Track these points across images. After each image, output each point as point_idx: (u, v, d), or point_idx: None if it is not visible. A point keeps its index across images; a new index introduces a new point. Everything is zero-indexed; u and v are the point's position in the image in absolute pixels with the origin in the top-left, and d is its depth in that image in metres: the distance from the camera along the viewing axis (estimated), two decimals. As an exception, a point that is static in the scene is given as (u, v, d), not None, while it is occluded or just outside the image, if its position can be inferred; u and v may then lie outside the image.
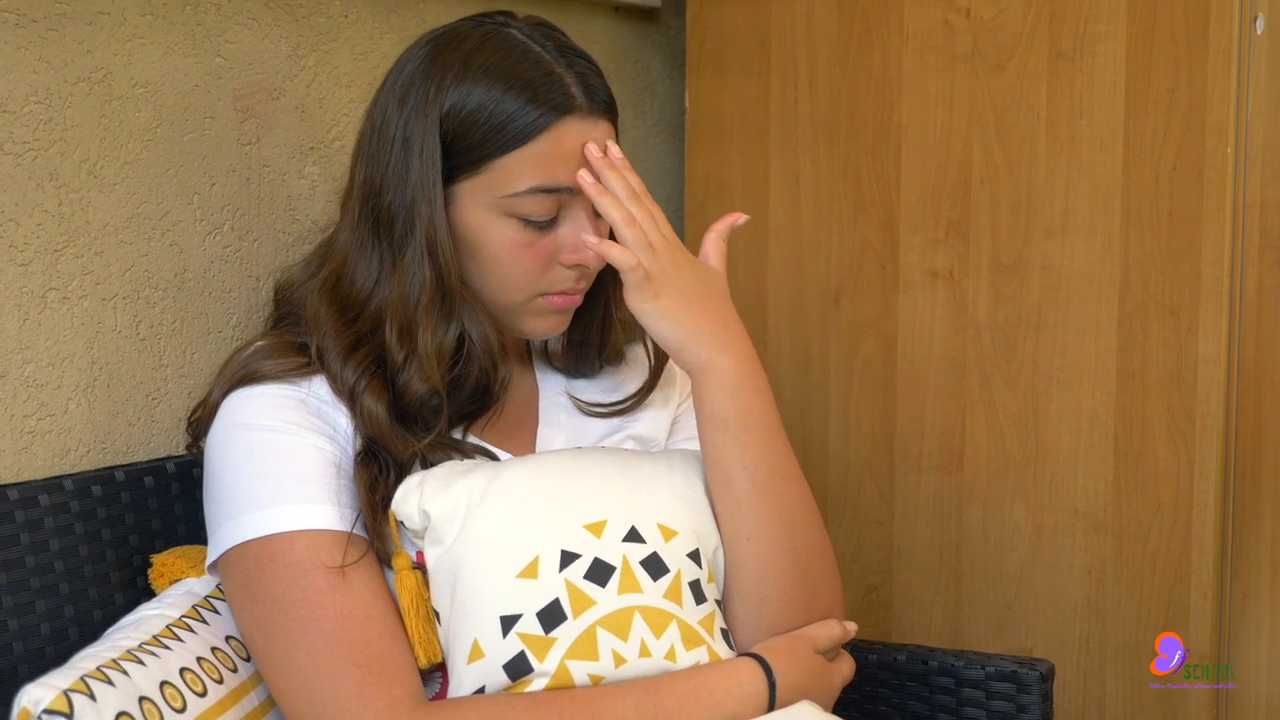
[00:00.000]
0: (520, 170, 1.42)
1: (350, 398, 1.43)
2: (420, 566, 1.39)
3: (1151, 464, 1.93)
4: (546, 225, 1.45)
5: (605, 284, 1.57)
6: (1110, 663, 1.98)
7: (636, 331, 1.63)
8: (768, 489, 1.46)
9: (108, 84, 1.57)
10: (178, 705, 1.26)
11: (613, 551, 1.38)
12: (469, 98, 1.43)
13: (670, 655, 1.36)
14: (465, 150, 1.43)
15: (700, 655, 1.38)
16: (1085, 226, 1.95)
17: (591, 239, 1.45)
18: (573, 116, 1.43)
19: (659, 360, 1.63)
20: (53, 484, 1.48)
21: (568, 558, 1.36)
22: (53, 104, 1.52)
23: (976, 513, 2.06)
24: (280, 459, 1.39)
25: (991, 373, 2.03)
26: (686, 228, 2.31)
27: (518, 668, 1.33)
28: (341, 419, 1.43)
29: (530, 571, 1.35)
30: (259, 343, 1.48)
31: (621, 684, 1.34)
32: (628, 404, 1.61)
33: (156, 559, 1.52)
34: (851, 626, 1.53)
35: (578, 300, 1.51)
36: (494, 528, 1.37)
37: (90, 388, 1.58)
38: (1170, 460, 1.91)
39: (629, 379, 1.63)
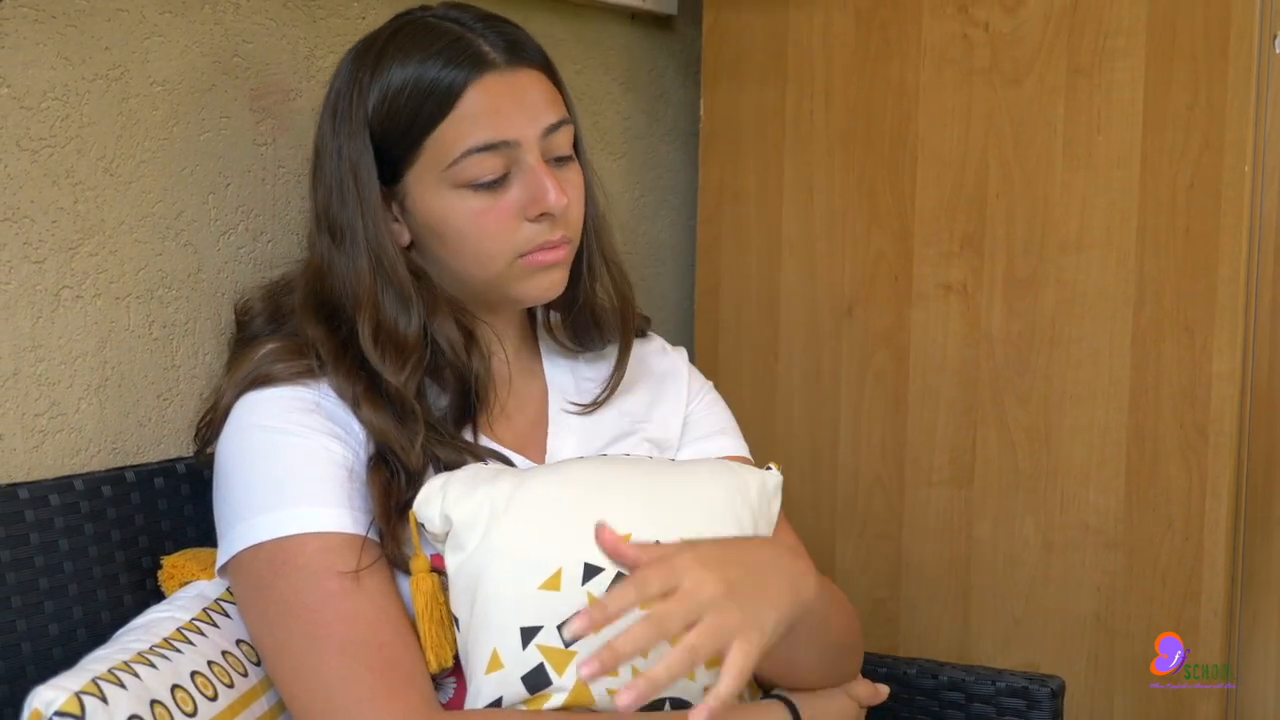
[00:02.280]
0: (453, 137, 1.43)
1: (354, 405, 1.43)
2: (438, 570, 1.38)
3: (1164, 481, 1.92)
4: (498, 186, 1.45)
5: (598, 236, 1.58)
6: (1119, 679, 1.97)
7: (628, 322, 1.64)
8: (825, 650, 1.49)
9: (125, 81, 1.57)
10: (189, 709, 1.25)
11: None
12: (388, 88, 1.45)
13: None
14: (399, 139, 1.45)
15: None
16: (1101, 242, 1.94)
17: None
18: (492, 72, 1.44)
19: (623, 352, 1.62)
20: (63, 483, 1.47)
21: (591, 571, 1.35)
22: (70, 100, 1.51)
23: (986, 527, 2.06)
24: (293, 461, 1.38)
25: (1004, 387, 2.03)
26: (700, 236, 2.30)
27: (536, 680, 1.32)
28: (355, 422, 1.43)
29: (553, 584, 1.34)
30: (269, 345, 1.47)
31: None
32: (604, 395, 1.60)
33: (167, 561, 1.51)
34: (883, 690, 1.56)
35: (561, 254, 1.50)
36: (518, 538, 1.36)
37: (102, 387, 1.57)
38: (1182, 477, 1.91)
39: (636, 380, 1.64)
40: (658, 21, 2.39)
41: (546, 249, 1.48)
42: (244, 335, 1.56)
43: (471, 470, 1.42)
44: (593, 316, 1.61)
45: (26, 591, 1.40)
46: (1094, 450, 1.97)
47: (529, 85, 1.46)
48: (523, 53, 1.47)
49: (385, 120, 1.45)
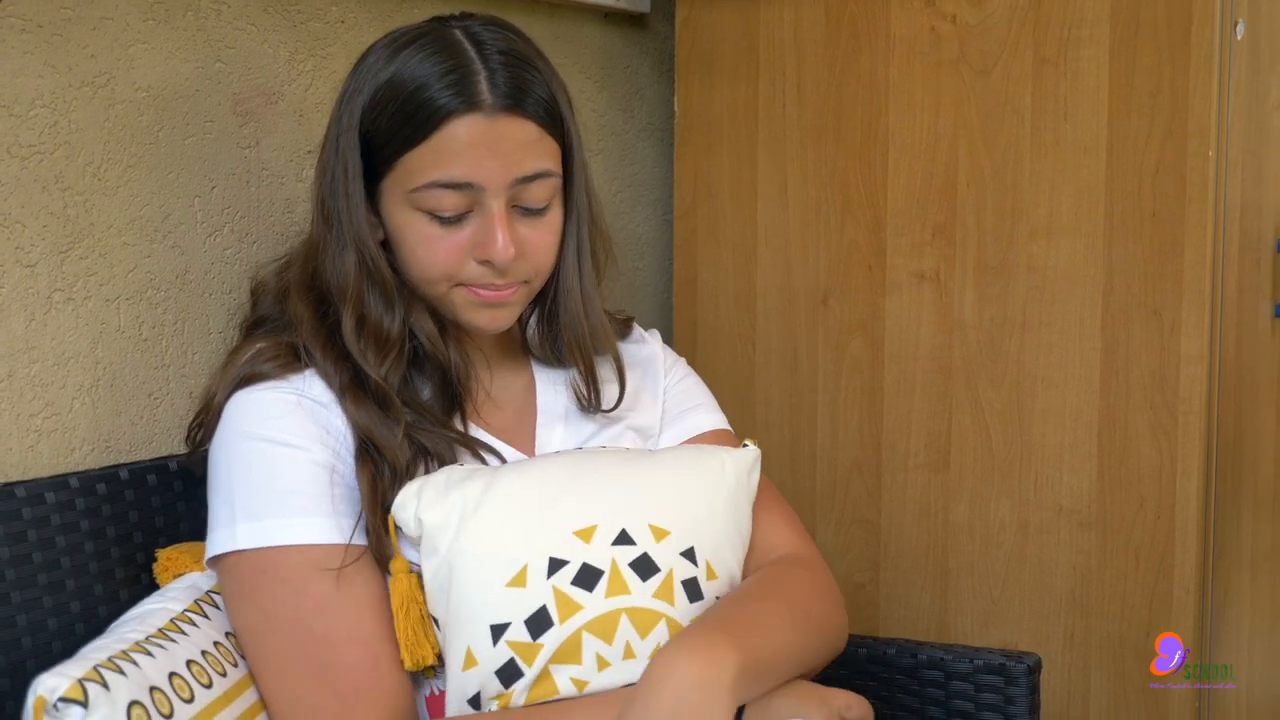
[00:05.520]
0: (420, 166, 1.44)
1: (340, 394, 1.46)
2: (418, 571, 1.43)
3: (1135, 461, 1.96)
4: (455, 221, 1.46)
5: (564, 283, 1.58)
6: (1094, 657, 2.00)
7: (614, 338, 1.67)
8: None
9: (111, 88, 1.60)
10: (186, 696, 1.28)
11: (601, 556, 1.40)
12: (378, 94, 1.46)
13: (655, 654, 1.37)
14: (379, 148, 1.47)
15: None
16: (1069, 228, 1.98)
17: None
18: (477, 112, 1.43)
19: (623, 378, 1.65)
20: (58, 482, 1.50)
21: (555, 564, 1.39)
22: (58, 108, 1.54)
23: (963, 510, 2.09)
24: (277, 471, 1.42)
25: (977, 373, 2.06)
26: (676, 229, 2.33)
27: (508, 674, 1.36)
28: (336, 420, 1.46)
29: (519, 580, 1.38)
30: (259, 345, 1.50)
31: (587, 700, 1.37)
32: (611, 410, 1.63)
33: (161, 553, 1.55)
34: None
35: (506, 295, 1.51)
36: (484, 539, 1.40)
37: (94, 387, 1.60)
38: (1153, 457, 1.94)
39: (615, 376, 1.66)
40: (631, 20, 2.42)
41: (490, 288, 1.50)
42: (256, 314, 1.59)
43: (445, 473, 1.45)
44: (561, 344, 1.62)
45: (25, 588, 1.43)
46: (1066, 432, 2.01)
47: (512, 133, 1.44)
48: (521, 99, 1.45)
49: (372, 125, 1.47)
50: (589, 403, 1.62)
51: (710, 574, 1.46)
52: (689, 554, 1.44)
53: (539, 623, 1.36)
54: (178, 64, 1.67)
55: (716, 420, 1.71)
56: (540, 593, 1.37)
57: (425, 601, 1.42)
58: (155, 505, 1.59)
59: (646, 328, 1.82)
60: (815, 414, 2.21)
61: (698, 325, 2.32)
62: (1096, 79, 1.94)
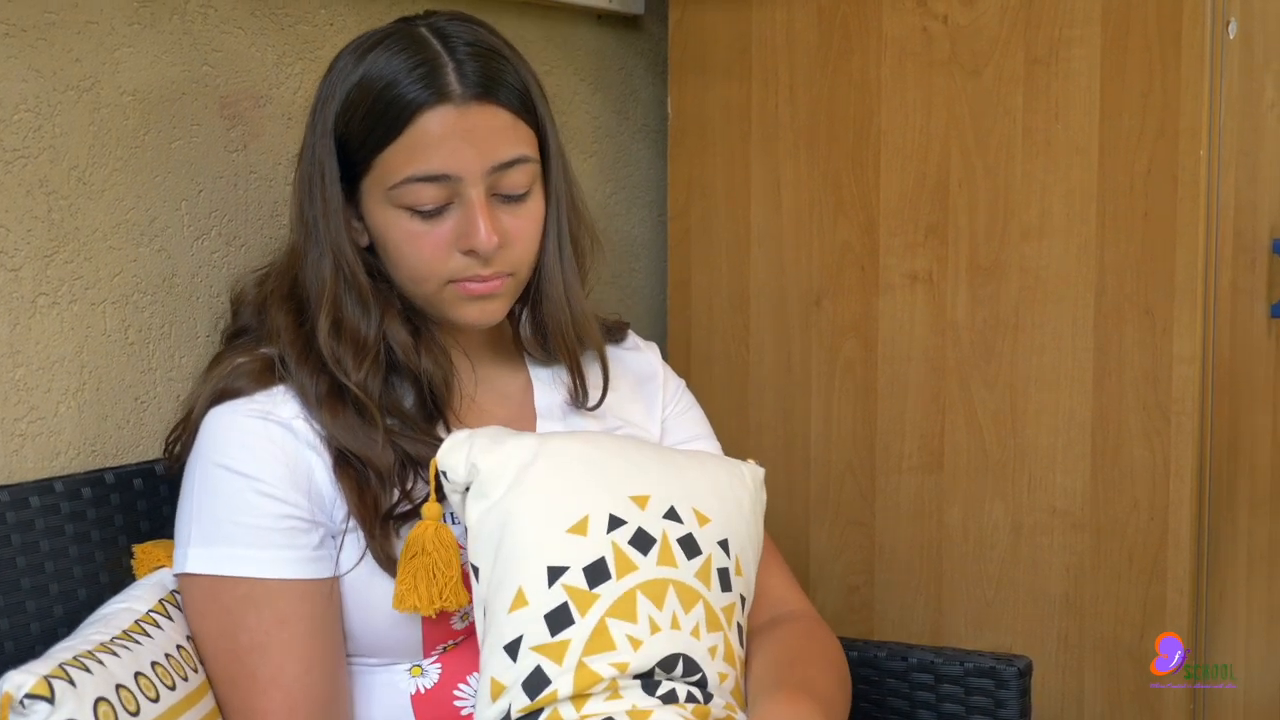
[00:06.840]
0: (396, 163, 1.45)
1: (316, 406, 1.46)
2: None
3: (1128, 462, 1.95)
4: (436, 215, 1.47)
5: (546, 270, 1.58)
6: (1088, 659, 2.00)
7: (599, 333, 1.66)
8: None
9: (96, 92, 1.60)
10: (152, 696, 1.29)
11: (654, 525, 1.42)
12: (350, 97, 1.48)
13: (695, 633, 1.40)
14: (355, 150, 1.48)
15: (717, 640, 1.41)
16: (1062, 229, 1.97)
17: None
18: (447, 104, 1.44)
19: (607, 376, 1.66)
20: (43, 486, 1.50)
21: (615, 522, 1.40)
22: (42, 112, 1.54)
23: (956, 512, 2.09)
24: (234, 502, 1.43)
25: (970, 374, 2.06)
26: (670, 230, 2.33)
27: (559, 619, 1.36)
28: (303, 448, 1.46)
29: (580, 529, 1.39)
30: (238, 359, 1.50)
31: None
32: (595, 406, 1.64)
33: (138, 548, 1.55)
34: None
35: (495, 287, 1.51)
36: (545, 485, 1.41)
37: (80, 391, 1.60)
38: (1146, 458, 1.94)
39: (617, 380, 1.66)
40: (625, 21, 2.42)
41: (477, 281, 1.50)
42: (236, 325, 1.59)
43: (490, 429, 1.46)
44: (560, 338, 1.62)
45: (9, 592, 1.43)
46: (1059, 434, 2.00)
47: (485, 121, 1.46)
48: (491, 88, 1.46)
49: (346, 128, 1.48)
50: (575, 396, 1.62)
51: (738, 569, 1.47)
52: (724, 545, 1.46)
53: (597, 573, 1.37)
54: (164, 67, 1.67)
55: (713, 449, 1.72)
56: (600, 545, 1.39)
57: (446, 545, 1.43)
58: (141, 509, 1.59)
59: (641, 329, 1.82)
60: (809, 415, 2.21)
61: (691, 326, 2.32)
62: (1088, 79, 1.94)
